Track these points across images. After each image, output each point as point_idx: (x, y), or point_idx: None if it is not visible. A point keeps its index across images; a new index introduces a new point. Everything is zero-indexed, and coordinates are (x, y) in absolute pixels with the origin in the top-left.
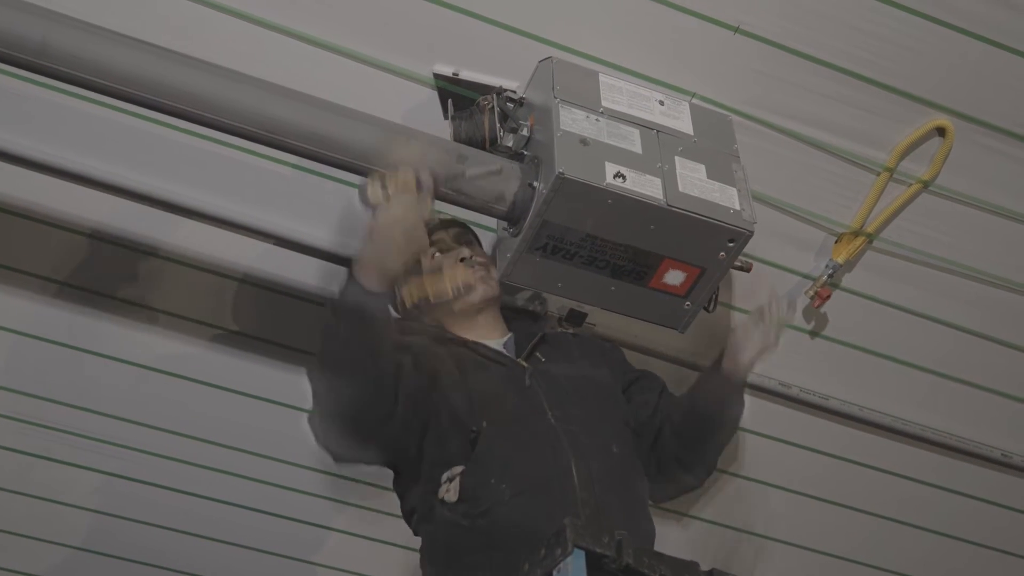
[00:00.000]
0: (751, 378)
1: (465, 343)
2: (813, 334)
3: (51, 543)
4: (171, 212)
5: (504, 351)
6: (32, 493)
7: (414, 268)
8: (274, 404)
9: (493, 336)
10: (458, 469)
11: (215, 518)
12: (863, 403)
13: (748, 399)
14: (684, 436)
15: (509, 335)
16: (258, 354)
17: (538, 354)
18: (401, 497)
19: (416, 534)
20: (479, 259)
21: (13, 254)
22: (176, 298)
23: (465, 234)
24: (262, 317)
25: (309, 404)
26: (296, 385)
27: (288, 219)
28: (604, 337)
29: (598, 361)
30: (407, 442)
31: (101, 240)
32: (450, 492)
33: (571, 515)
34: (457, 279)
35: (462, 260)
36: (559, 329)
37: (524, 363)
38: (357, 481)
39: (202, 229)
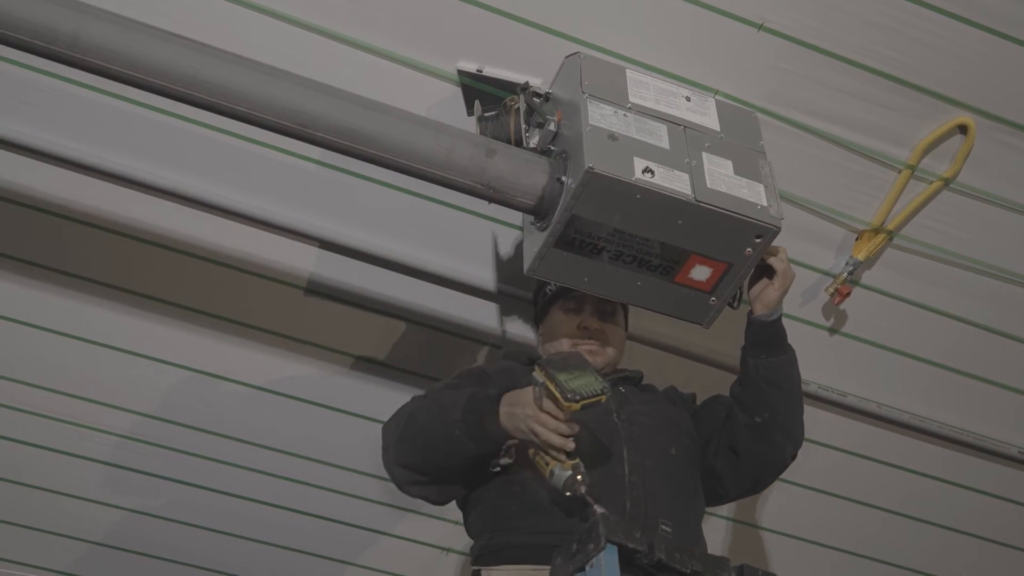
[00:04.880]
0: None
1: None
2: (832, 331)
3: (70, 538)
4: (185, 204)
5: None
6: (50, 488)
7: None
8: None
9: None
10: (514, 440)
11: (245, 516)
12: (881, 400)
13: None
14: (747, 400)
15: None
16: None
17: (620, 387)
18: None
19: (467, 514)
20: (598, 331)
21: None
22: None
23: (605, 304)
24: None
25: (316, 398)
26: (323, 385)
27: (320, 218)
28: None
29: (673, 401)
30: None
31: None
32: (505, 457)
33: (618, 496)
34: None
35: (582, 327)
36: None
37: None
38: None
39: (214, 222)
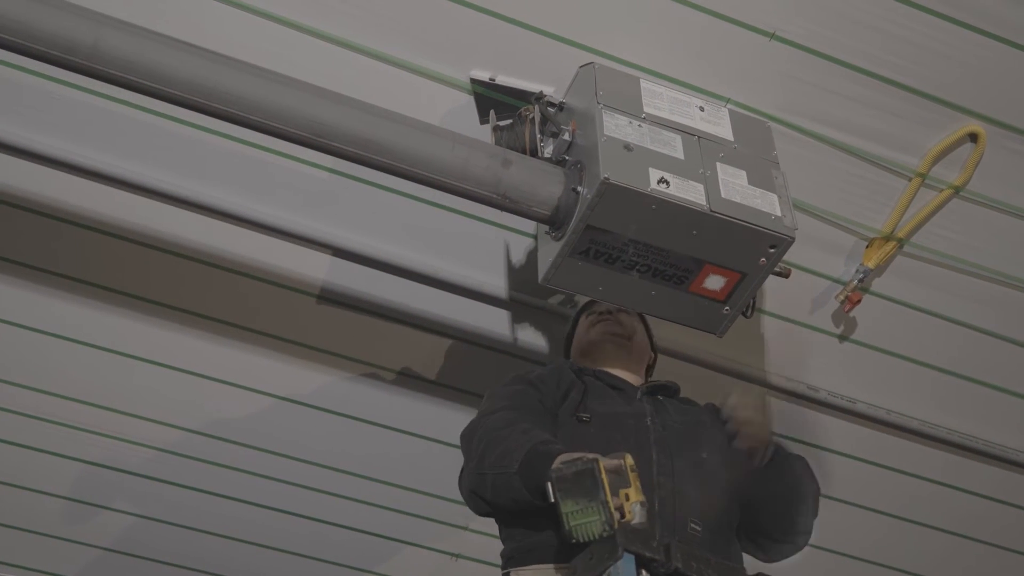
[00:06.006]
0: (779, 381)
1: (594, 373)
2: (842, 338)
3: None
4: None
5: (627, 381)
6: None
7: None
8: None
9: (626, 375)
10: None
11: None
12: (890, 406)
13: (774, 402)
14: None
15: (643, 384)
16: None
17: (657, 396)
18: None
19: (504, 519)
20: (618, 315)
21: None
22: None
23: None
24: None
25: (327, 405)
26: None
27: (334, 225)
28: None
29: (710, 414)
30: None
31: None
32: None
33: (646, 496)
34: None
35: (603, 313)
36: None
37: (638, 385)
38: (392, 485)
39: (223, 228)
